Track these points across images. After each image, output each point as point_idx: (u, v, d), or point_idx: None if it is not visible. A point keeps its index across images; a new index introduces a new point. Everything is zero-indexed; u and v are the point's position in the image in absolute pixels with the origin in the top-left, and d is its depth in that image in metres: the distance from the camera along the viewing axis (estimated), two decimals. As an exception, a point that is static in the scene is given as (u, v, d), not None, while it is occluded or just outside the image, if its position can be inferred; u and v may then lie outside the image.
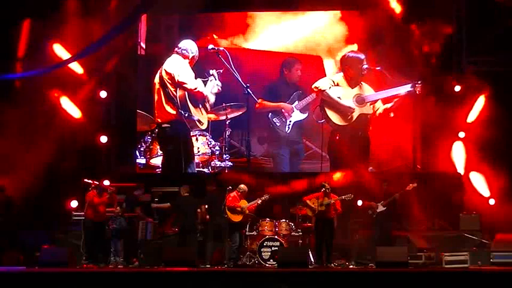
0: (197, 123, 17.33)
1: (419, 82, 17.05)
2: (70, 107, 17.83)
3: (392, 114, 16.98)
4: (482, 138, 17.13)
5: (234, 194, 16.35)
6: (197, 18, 18.76)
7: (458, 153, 17.38)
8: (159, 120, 17.39)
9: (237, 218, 16.25)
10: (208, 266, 16.14)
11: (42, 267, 15.17)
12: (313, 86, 17.13)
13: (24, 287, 13.96)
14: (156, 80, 17.35)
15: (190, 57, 17.25)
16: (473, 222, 16.79)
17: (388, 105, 17.07)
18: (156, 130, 17.68)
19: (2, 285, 13.77)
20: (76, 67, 17.74)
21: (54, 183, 17.54)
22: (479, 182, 17.21)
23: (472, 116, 17.34)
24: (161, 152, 17.86)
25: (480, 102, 17.33)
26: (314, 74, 17.89)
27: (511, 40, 17.40)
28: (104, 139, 18.06)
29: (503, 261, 15.37)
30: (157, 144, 17.90)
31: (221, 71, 17.18)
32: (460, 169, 17.34)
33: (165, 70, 17.22)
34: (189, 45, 17.29)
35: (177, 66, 17.15)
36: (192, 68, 17.28)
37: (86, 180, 16.73)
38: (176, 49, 17.29)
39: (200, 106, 17.36)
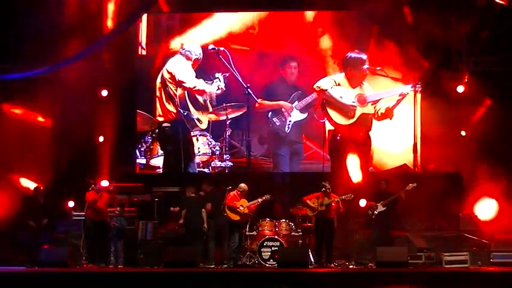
0: (196, 122, 17.32)
1: (419, 82, 17.02)
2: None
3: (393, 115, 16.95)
4: (482, 139, 17.14)
5: (234, 193, 16.35)
6: (197, 18, 18.75)
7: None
8: (159, 119, 17.40)
9: (236, 217, 16.25)
10: (213, 266, 16.12)
11: (42, 267, 15.17)
12: (314, 86, 17.10)
13: (24, 287, 13.97)
14: (158, 79, 17.43)
15: (193, 59, 17.32)
16: (473, 222, 16.79)
17: (384, 108, 16.99)
18: (157, 129, 17.70)
19: (2, 285, 13.77)
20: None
21: (54, 183, 17.52)
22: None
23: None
24: (162, 152, 17.87)
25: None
26: (314, 74, 17.87)
27: (511, 40, 17.40)
28: (102, 139, 18.05)
29: (503, 261, 15.39)
30: (158, 143, 17.91)
31: (227, 74, 17.18)
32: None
33: (167, 69, 17.31)
34: (193, 48, 17.38)
35: (178, 66, 17.22)
36: (195, 70, 17.29)
37: (88, 180, 16.75)
38: (180, 50, 17.39)
39: (200, 103, 17.33)
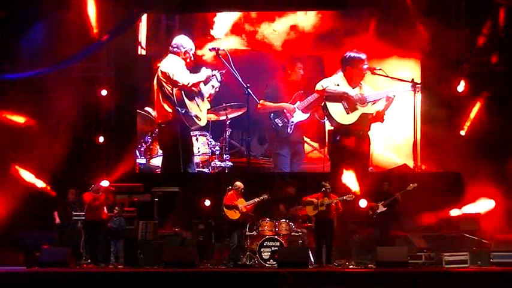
0: (195, 119, 17.04)
1: (419, 81, 17.02)
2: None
3: (384, 118, 16.94)
4: (482, 139, 17.14)
5: (231, 193, 16.39)
6: (197, 18, 18.76)
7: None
8: (159, 120, 17.33)
9: (234, 216, 16.27)
10: (213, 266, 16.15)
11: (42, 267, 15.18)
12: (316, 89, 17.06)
13: (24, 287, 13.98)
14: (155, 81, 17.26)
15: (183, 52, 17.00)
16: (473, 223, 16.80)
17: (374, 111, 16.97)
18: (157, 130, 17.66)
19: (2, 285, 13.79)
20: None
21: (54, 183, 17.53)
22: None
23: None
24: (161, 152, 17.86)
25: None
26: (315, 74, 17.89)
27: (511, 40, 17.41)
28: (102, 139, 18.05)
29: (503, 261, 15.37)
30: (158, 144, 17.85)
31: (223, 71, 17.07)
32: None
33: (161, 70, 17.05)
34: (179, 41, 17.07)
35: (171, 65, 16.97)
36: (189, 64, 17.09)
37: (87, 180, 16.76)
38: (170, 48, 17.10)
39: (197, 100, 17.15)
